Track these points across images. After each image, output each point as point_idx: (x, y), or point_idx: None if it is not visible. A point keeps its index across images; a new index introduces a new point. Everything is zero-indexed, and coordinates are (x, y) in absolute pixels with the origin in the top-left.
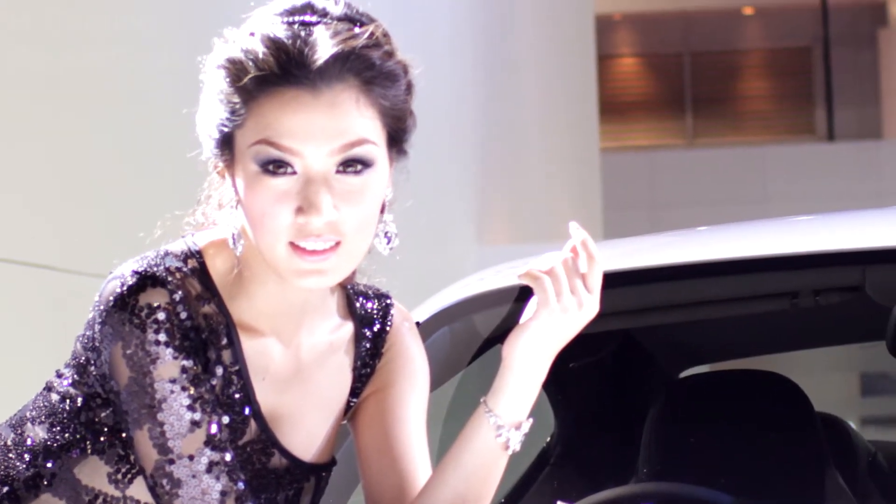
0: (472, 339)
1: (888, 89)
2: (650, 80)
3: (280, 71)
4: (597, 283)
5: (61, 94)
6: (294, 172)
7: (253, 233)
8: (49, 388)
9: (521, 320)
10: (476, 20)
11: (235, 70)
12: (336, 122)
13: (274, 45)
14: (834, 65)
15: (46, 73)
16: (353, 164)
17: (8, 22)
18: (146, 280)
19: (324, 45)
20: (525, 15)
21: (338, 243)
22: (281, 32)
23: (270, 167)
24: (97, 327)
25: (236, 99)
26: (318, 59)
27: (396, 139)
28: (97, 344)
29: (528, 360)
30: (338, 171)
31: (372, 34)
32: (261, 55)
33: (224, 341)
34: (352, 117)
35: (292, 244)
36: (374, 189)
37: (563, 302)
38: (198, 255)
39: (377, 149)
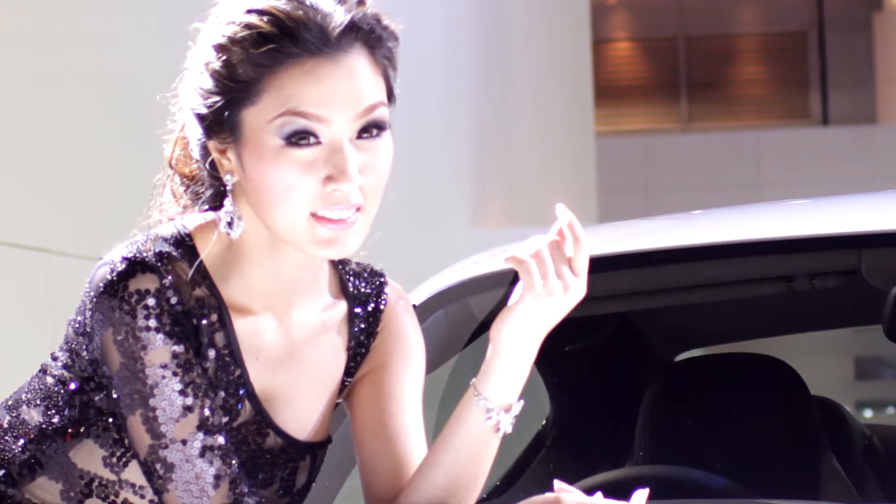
0: (468, 321)
1: (883, 74)
2: (645, 65)
3: (299, 42)
4: (583, 265)
5: (61, 93)
6: (318, 142)
7: (269, 209)
8: (44, 371)
9: (509, 303)
10: (471, 5)
11: (243, 48)
12: (355, 87)
13: (288, 17)
14: (829, 49)
15: (46, 73)
16: (369, 130)
17: (8, 22)
18: (136, 266)
19: (338, 15)
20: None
21: (358, 209)
22: (288, 6)
23: (294, 138)
24: (88, 313)
25: (247, 77)
26: (337, 28)
27: (391, 93)
28: (88, 330)
29: (516, 343)
30: (358, 137)
31: (362, 1)
32: (275, 29)
33: (216, 324)
34: (367, 81)
35: (314, 215)
36: (389, 151)
37: (548, 285)
38: (188, 238)
39: (387, 109)
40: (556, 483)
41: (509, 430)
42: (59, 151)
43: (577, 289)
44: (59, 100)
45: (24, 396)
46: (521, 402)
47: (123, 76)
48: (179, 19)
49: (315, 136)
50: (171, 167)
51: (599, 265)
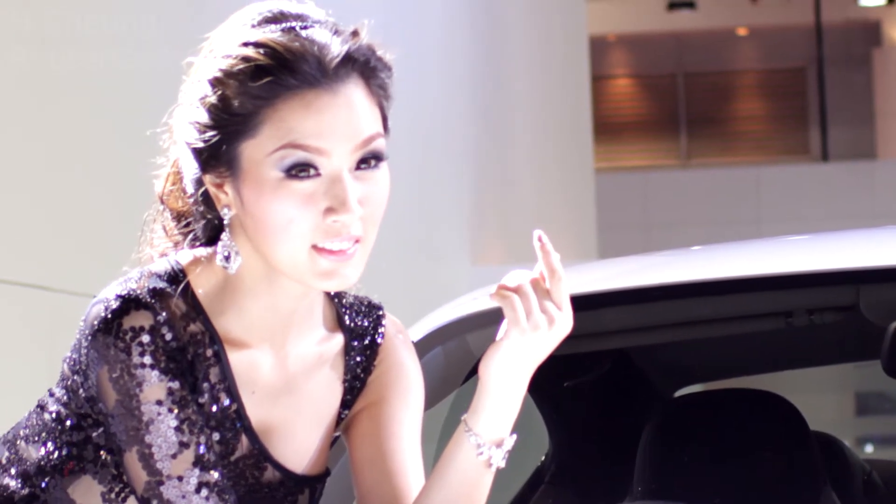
0: (466, 358)
1: (882, 109)
2: (644, 101)
3: (297, 74)
4: (563, 298)
5: (61, 95)
6: (318, 174)
7: (269, 242)
8: (42, 407)
9: (496, 339)
10: (469, 41)
11: (240, 81)
12: (354, 118)
13: (286, 49)
14: (828, 85)
15: (46, 74)
16: (368, 161)
17: (8, 22)
18: (129, 303)
19: (335, 46)
20: (519, 36)
21: (357, 240)
22: (284, 38)
23: (294, 171)
24: (83, 351)
25: (244, 110)
26: (335, 60)
27: (385, 123)
28: (83, 367)
29: (504, 378)
30: (356, 168)
31: (357, 32)
32: (272, 61)
33: (211, 359)
34: (365, 113)
35: (314, 247)
36: (387, 181)
37: (532, 319)
38: (181, 273)
39: (384, 140)
40: None
41: (502, 464)
42: (59, 185)
43: (562, 322)
44: (58, 110)
45: (22, 432)
46: (514, 436)
47: (126, 79)
48: (184, 21)
49: (315, 168)
50: (161, 202)
51: (599, 301)
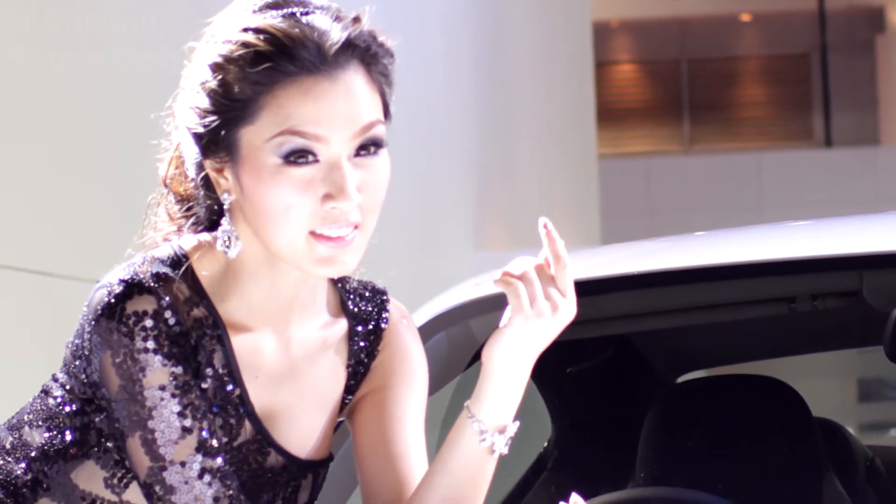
0: (469, 343)
1: (885, 95)
2: (647, 87)
3: (296, 61)
4: (568, 285)
5: (61, 95)
6: (316, 161)
7: (268, 228)
8: (45, 392)
9: (499, 326)
10: (472, 27)
11: (239, 67)
12: (353, 105)
13: (285, 35)
14: (831, 71)
15: (46, 73)
16: (367, 147)
17: (8, 22)
18: (133, 287)
19: (335, 33)
20: (522, 22)
21: (356, 226)
22: (284, 24)
23: (292, 157)
24: (86, 336)
25: (244, 96)
26: (334, 46)
27: (387, 110)
28: (87, 353)
29: (507, 365)
30: (355, 155)
31: (358, 18)
32: (271, 48)
33: (214, 343)
34: (365, 100)
35: (313, 233)
36: (387, 168)
37: (536, 306)
38: (184, 258)
39: (384, 127)
40: (573, 497)
41: (505, 451)
42: (60, 176)
43: (566, 309)
44: (59, 109)
45: (26, 417)
46: (517, 423)
47: (126, 79)
48: (184, 21)
49: (313, 154)
50: (165, 186)
51: (602, 287)
